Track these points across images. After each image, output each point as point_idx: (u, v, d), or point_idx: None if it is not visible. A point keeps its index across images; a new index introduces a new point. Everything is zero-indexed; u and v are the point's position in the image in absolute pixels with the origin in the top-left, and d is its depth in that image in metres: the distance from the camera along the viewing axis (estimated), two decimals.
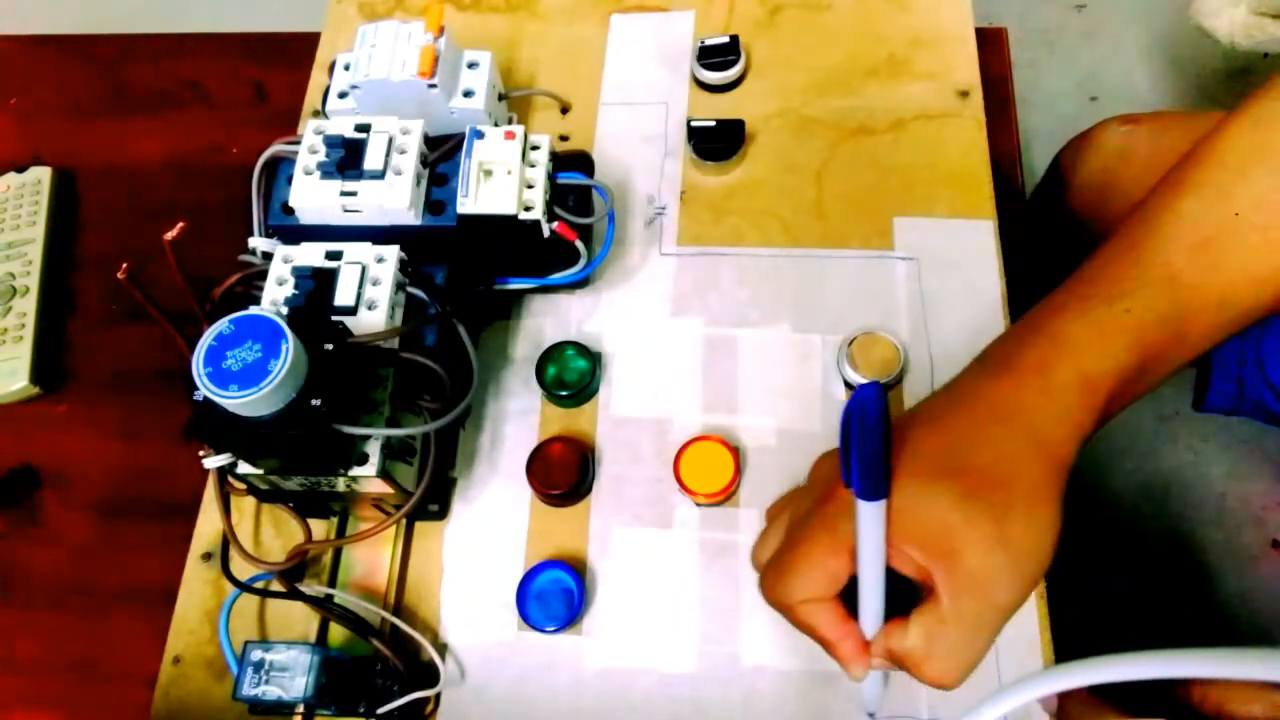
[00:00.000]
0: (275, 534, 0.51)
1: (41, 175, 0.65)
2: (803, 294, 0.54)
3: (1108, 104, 1.31)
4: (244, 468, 0.43)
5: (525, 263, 0.52)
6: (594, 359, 0.52)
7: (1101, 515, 1.07)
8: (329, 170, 0.47)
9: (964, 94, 0.59)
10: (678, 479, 0.48)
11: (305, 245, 0.47)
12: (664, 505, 0.49)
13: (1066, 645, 0.45)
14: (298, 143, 0.49)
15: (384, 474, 0.43)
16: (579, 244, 0.50)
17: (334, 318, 0.42)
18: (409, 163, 0.47)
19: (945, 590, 0.31)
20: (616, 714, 0.46)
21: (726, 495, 0.48)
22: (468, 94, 0.52)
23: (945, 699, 0.44)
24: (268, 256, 0.48)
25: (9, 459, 0.57)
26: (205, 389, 0.37)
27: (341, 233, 0.48)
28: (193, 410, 0.38)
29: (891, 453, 0.32)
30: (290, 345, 0.37)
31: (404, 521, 0.49)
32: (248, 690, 0.42)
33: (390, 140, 0.48)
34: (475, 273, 0.51)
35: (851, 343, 0.51)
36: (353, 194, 0.47)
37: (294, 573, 0.47)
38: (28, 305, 0.60)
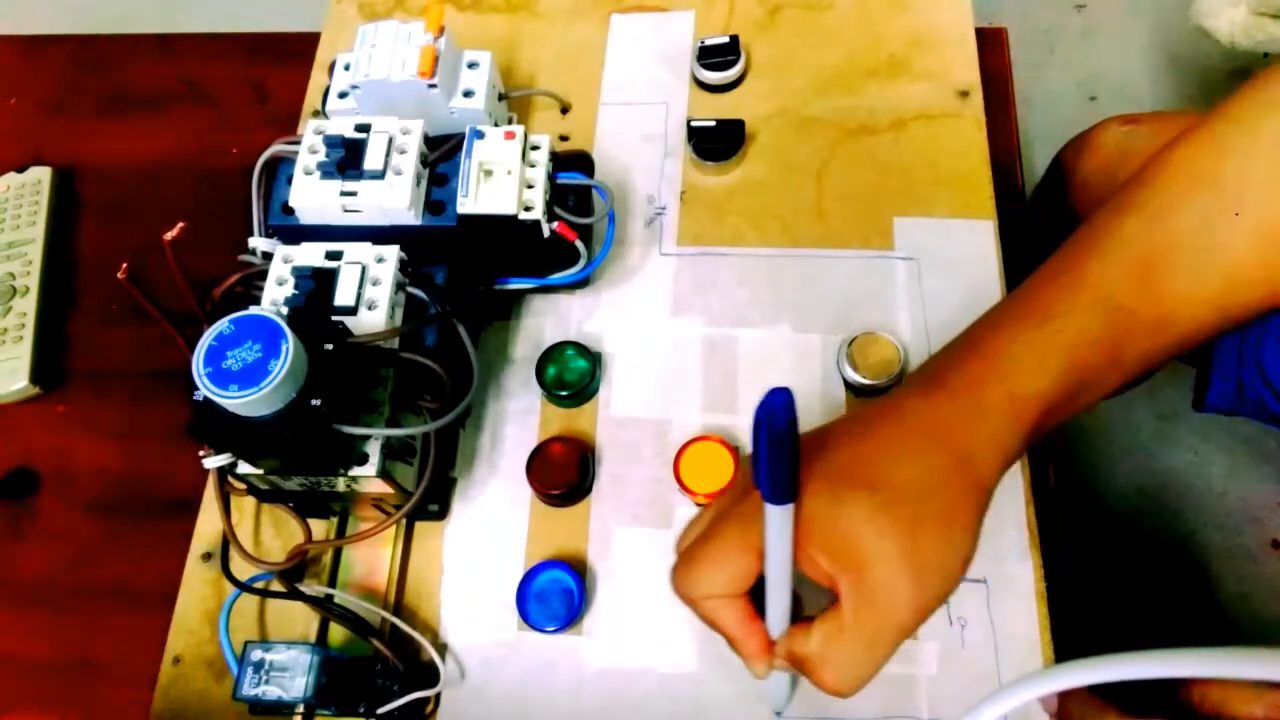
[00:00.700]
0: (275, 534, 0.51)
1: (41, 175, 0.65)
2: (803, 294, 0.54)
3: (1108, 104, 1.31)
4: (244, 468, 0.43)
5: (525, 263, 0.52)
6: (594, 359, 0.52)
7: (1101, 515, 1.07)
8: (329, 170, 0.47)
9: (964, 94, 0.59)
10: (678, 479, 0.48)
11: (305, 245, 0.47)
12: (664, 505, 0.49)
13: (1066, 645, 0.45)
14: (298, 143, 0.49)
15: (384, 474, 0.43)
16: (579, 244, 0.50)
17: (334, 318, 0.42)
18: (409, 163, 0.47)
19: (848, 601, 0.32)
20: (616, 714, 0.46)
21: None
22: (468, 94, 0.52)
23: (945, 699, 0.44)
24: (268, 256, 0.48)
25: (9, 459, 0.57)
26: (205, 389, 0.37)
27: (341, 233, 0.48)
28: (193, 410, 0.38)
29: (812, 457, 0.32)
30: (290, 345, 0.37)
31: (404, 521, 0.49)
32: (248, 690, 0.42)
33: (390, 140, 0.48)
34: (475, 273, 0.51)
35: (851, 343, 0.51)
36: (353, 194, 0.47)
37: (294, 573, 0.47)
38: (28, 305, 0.60)
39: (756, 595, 0.34)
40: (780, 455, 0.28)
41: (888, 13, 0.63)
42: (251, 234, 0.50)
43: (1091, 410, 0.37)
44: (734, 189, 0.58)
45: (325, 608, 0.46)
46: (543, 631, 0.46)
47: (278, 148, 0.50)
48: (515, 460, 0.51)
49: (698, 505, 0.49)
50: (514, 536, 0.50)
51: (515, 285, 0.53)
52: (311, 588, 0.47)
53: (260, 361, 0.37)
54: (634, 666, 0.46)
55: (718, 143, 0.57)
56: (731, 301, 0.54)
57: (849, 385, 0.51)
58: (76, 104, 0.69)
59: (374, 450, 0.42)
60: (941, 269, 0.54)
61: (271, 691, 0.42)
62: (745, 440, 0.50)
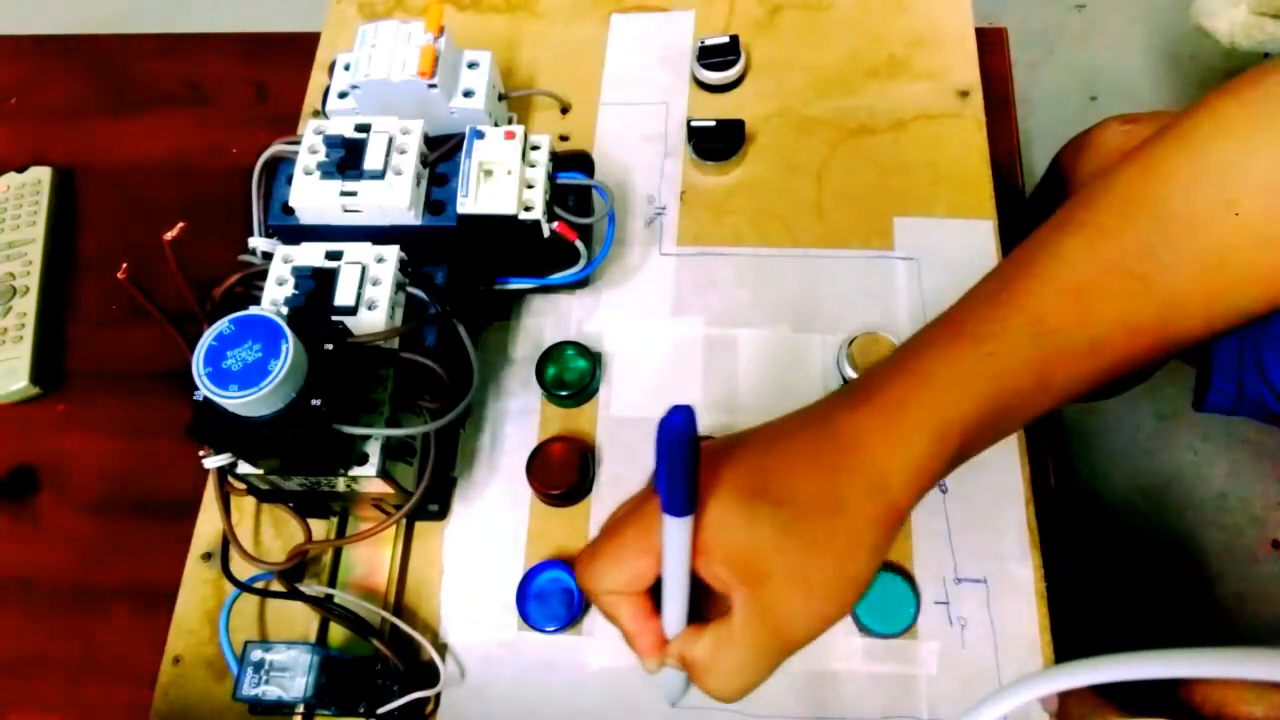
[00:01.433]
0: (275, 534, 0.51)
1: (41, 175, 0.65)
2: (803, 294, 0.54)
3: (1108, 104, 1.31)
4: (244, 468, 0.43)
5: (525, 263, 0.52)
6: (594, 359, 0.52)
7: (1101, 515, 1.07)
8: (329, 170, 0.47)
9: (964, 94, 0.59)
10: None
11: (305, 245, 0.47)
12: None
13: (1066, 645, 0.45)
14: (298, 143, 0.49)
15: (384, 474, 0.43)
16: (579, 244, 0.50)
17: (334, 318, 0.42)
18: (409, 163, 0.47)
19: (740, 612, 0.32)
20: (616, 714, 0.46)
21: None
22: (468, 94, 0.52)
23: (945, 699, 0.44)
24: (268, 256, 0.48)
25: (9, 459, 0.57)
26: (205, 389, 0.37)
27: (341, 233, 0.48)
28: (193, 410, 0.38)
29: (725, 464, 0.32)
30: (290, 345, 0.37)
31: (404, 521, 0.49)
32: (248, 690, 0.42)
33: (390, 140, 0.48)
34: (475, 273, 0.51)
35: (851, 343, 0.51)
36: (353, 194, 0.47)
37: (294, 573, 0.47)
38: (28, 305, 0.60)
39: (658, 592, 0.34)
40: (678, 472, 0.28)
41: (888, 13, 0.63)
42: (251, 234, 0.50)
43: (1034, 418, 0.36)
44: (734, 189, 0.58)
45: (325, 608, 0.46)
46: (543, 631, 0.46)
47: (278, 148, 0.50)
48: (515, 460, 0.51)
49: None
50: (514, 536, 0.50)
51: (515, 285, 0.53)
52: (311, 588, 0.47)
53: (260, 361, 0.37)
54: (634, 666, 0.46)
55: (718, 143, 0.57)
56: (731, 301, 0.54)
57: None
58: (76, 104, 0.69)
59: (374, 450, 0.42)
60: (941, 269, 0.54)
61: (271, 691, 0.42)
62: None
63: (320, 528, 0.50)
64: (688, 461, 0.28)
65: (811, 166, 0.58)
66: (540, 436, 0.52)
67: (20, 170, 0.65)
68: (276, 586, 0.46)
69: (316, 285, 0.45)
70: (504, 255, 0.51)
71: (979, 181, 0.56)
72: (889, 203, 0.56)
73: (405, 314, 0.46)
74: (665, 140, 0.60)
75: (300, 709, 0.43)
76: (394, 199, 0.47)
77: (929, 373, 0.35)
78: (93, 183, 0.66)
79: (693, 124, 0.58)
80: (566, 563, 0.47)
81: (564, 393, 0.51)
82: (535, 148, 0.49)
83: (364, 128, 0.48)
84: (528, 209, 0.48)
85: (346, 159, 0.47)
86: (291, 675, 0.42)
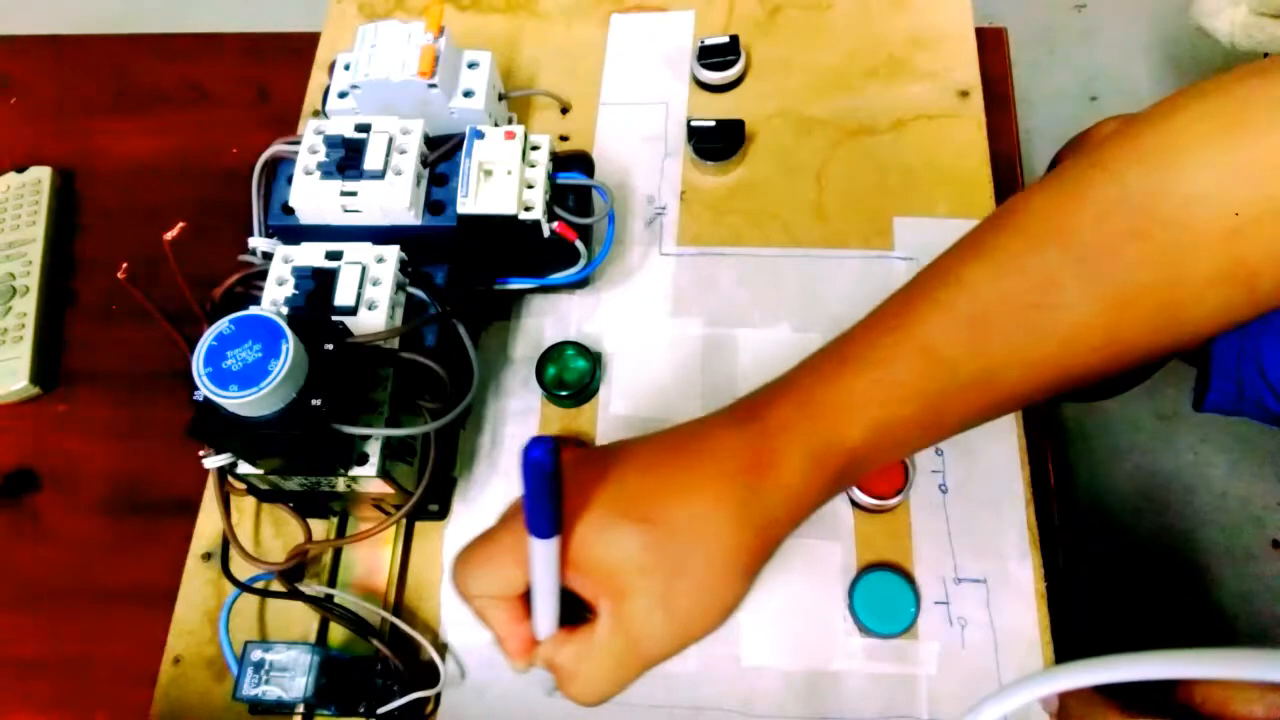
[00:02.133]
0: (275, 534, 0.51)
1: (41, 175, 0.65)
2: (803, 294, 0.54)
3: (1108, 104, 1.31)
4: (244, 468, 0.43)
5: (525, 263, 0.52)
6: (594, 359, 0.52)
7: (1101, 515, 1.07)
8: (329, 170, 0.47)
9: (964, 94, 0.59)
10: None
11: (305, 245, 0.47)
12: None
13: (1066, 645, 0.45)
14: (298, 143, 0.49)
15: (384, 474, 0.43)
16: (579, 244, 0.50)
17: (334, 318, 0.42)
18: (409, 163, 0.47)
19: (603, 624, 0.32)
20: (616, 714, 0.46)
21: None
22: (468, 94, 0.52)
23: (945, 699, 0.44)
24: (268, 256, 0.48)
25: (9, 459, 0.57)
26: (205, 389, 0.37)
27: (341, 233, 0.48)
28: (193, 410, 0.38)
29: (600, 478, 0.33)
30: (290, 345, 0.37)
31: (404, 521, 0.49)
32: (248, 690, 0.42)
33: (390, 140, 0.48)
34: (475, 273, 0.51)
35: None
36: (353, 194, 0.47)
37: (294, 573, 0.47)
38: (28, 305, 0.60)
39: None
40: (540, 501, 0.29)
41: (888, 13, 0.63)
42: (251, 234, 0.50)
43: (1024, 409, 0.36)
44: (734, 189, 0.58)
45: (325, 608, 0.46)
46: None
47: (278, 148, 0.50)
48: (515, 460, 0.50)
49: None
50: None
51: (515, 285, 0.53)
52: (311, 588, 0.47)
53: (260, 361, 0.37)
54: None
55: (718, 143, 0.57)
56: (731, 301, 0.54)
57: None
58: (76, 104, 0.69)
59: (374, 450, 0.42)
60: None
61: (271, 691, 0.42)
62: None
63: (320, 528, 0.50)
64: (548, 491, 0.29)
65: (811, 166, 0.58)
66: None
67: (20, 170, 0.65)
68: (276, 586, 0.46)
69: (316, 285, 0.45)
70: (504, 255, 0.51)
71: (979, 181, 0.56)
72: (889, 203, 0.56)
73: (405, 314, 0.46)
74: (665, 140, 0.60)
75: (300, 709, 0.43)
76: (394, 199, 0.47)
77: (814, 397, 0.34)
78: (93, 183, 0.66)
79: (693, 124, 0.58)
80: None
81: (564, 393, 0.51)
82: (535, 148, 0.49)
83: (364, 128, 0.48)
84: (528, 209, 0.48)
85: (346, 159, 0.47)
86: (291, 675, 0.42)
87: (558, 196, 0.50)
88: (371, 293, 0.45)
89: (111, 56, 0.71)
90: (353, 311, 0.44)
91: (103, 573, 0.53)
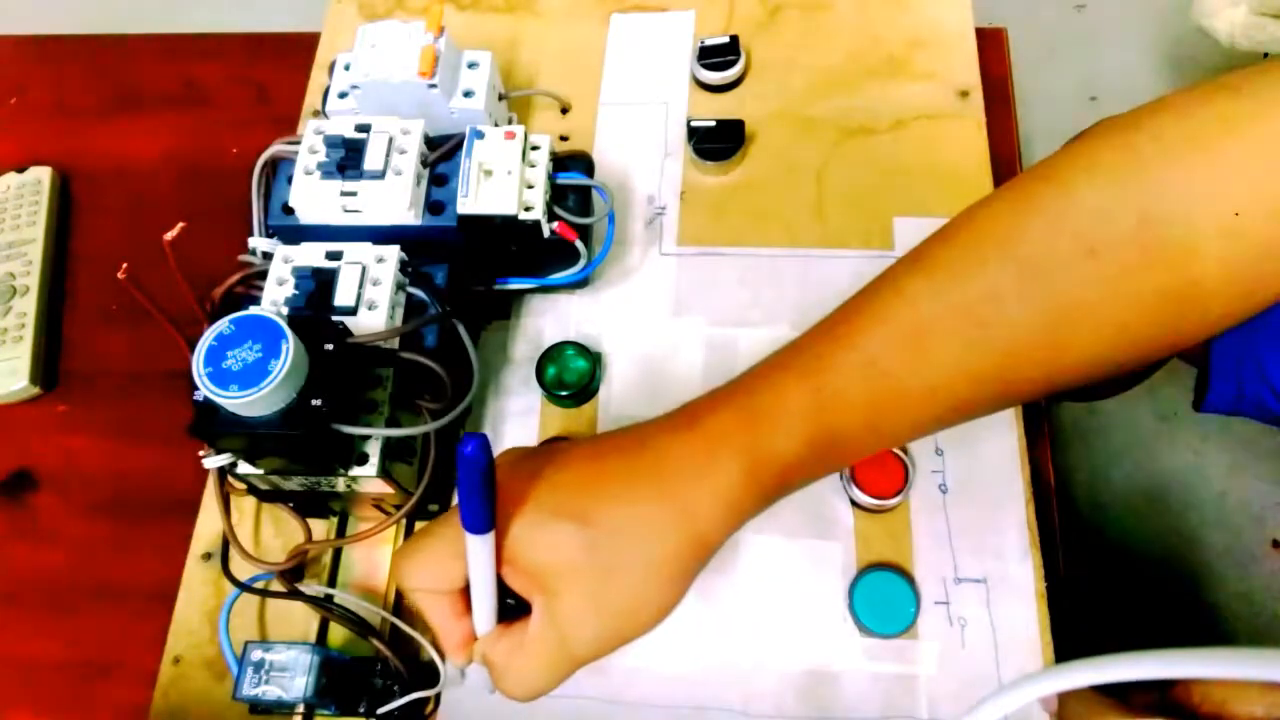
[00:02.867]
0: (275, 534, 0.51)
1: (41, 175, 0.65)
2: (803, 294, 0.54)
3: (1108, 104, 1.31)
4: (244, 468, 0.43)
5: (525, 263, 0.52)
6: (594, 359, 0.52)
7: (1101, 515, 1.07)
8: (329, 170, 0.47)
9: (964, 94, 0.59)
10: None
11: (305, 245, 0.47)
12: None
13: (1066, 645, 0.45)
14: (298, 143, 0.49)
15: (384, 474, 0.43)
16: (579, 244, 0.50)
17: (334, 318, 0.42)
18: (409, 163, 0.47)
19: (536, 621, 0.33)
20: (616, 714, 0.46)
21: None
22: (468, 94, 0.52)
23: (945, 699, 0.44)
24: (268, 256, 0.48)
25: (9, 459, 0.57)
26: (205, 389, 0.37)
27: (341, 233, 0.48)
28: (193, 410, 0.38)
29: (538, 474, 0.33)
30: (290, 345, 0.37)
31: (404, 521, 0.49)
32: (248, 690, 0.42)
33: (390, 140, 0.48)
34: (475, 273, 0.51)
35: None
36: (353, 194, 0.47)
37: (294, 573, 0.47)
38: (28, 305, 0.60)
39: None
40: (474, 496, 0.30)
41: (888, 13, 0.63)
42: (251, 234, 0.50)
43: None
44: (734, 189, 0.58)
45: (325, 608, 0.46)
46: None
47: (278, 148, 0.50)
48: None
49: None
50: None
51: (515, 285, 0.53)
52: (311, 588, 0.47)
53: (260, 361, 0.37)
54: (634, 666, 0.46)
55: (718, 143, 0.57)
56: (731, 301, 0.54)
57: None
58: (76, 104, 0.69)
59: (374, 450, 0.42)
60: None
61: (271, 691, 0.42)
62: None
63: (320, 528, 0.50)
64: (482, 487, 0.29)
65: (811, 166, 0.58)
66: (540, 436, 0.52)
67: (20, 170, 0.65)
68: (276, 586, 0.46)
69: (316, 285, 0.45)
70: (504, 255, 0.51)
71: (979, 182, 0.56)
72: (889, 203, 0.56)
73: (405, 314, 0.46)
74: (665, 140, 0.60)
75: (300, 709, 0.43)
76: (394, 199, 0.47)
77: (754, 405, 0.34)
78: (93, 183, 0.66)
79: (693, 124, 0.58)
80: None
81: (564, 393, 0.51)
82: (535, 148, 0.49)
83: (364, 128, 0.48)
84: (528, 209, 0.48)
85: (346, 159, 0.47)
86: (291, 675, 0.42)
87: (558, 196, 0.50)
88: (371, 293, 0.45)
89: (112, 57, 0.71)
90: (353, 311, 0.44)
91: (103, 573, 0.53)
